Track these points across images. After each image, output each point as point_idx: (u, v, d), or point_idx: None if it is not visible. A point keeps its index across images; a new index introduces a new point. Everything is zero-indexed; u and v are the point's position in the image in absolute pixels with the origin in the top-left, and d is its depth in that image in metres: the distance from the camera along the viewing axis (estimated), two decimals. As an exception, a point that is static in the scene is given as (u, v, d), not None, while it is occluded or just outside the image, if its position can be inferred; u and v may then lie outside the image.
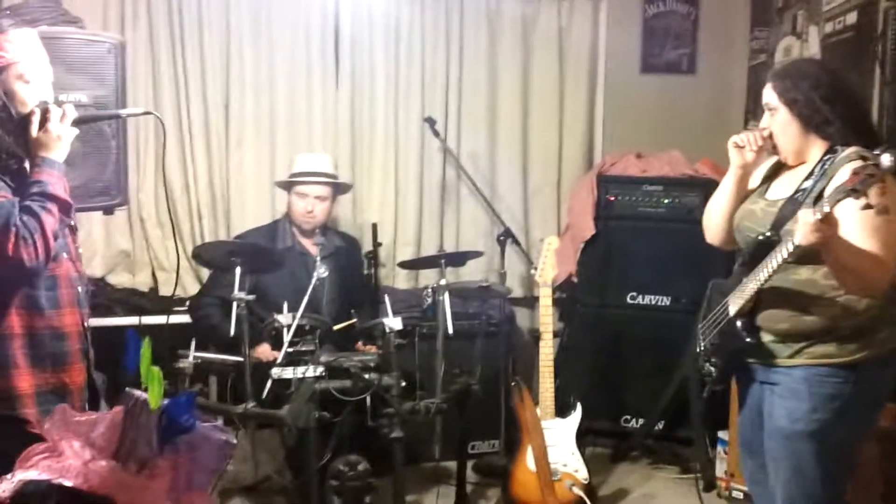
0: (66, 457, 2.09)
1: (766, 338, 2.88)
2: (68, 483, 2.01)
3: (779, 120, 2.91)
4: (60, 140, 2.72)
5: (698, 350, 3.16)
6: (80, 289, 2.89)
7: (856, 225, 2.61)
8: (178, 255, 3.81)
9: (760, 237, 2.85)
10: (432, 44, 5.36)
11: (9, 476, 2.04)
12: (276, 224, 4.72)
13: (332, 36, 5.24)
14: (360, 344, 4.40)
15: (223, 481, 4.33)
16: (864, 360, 2.78)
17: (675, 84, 5.68)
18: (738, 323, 2.90)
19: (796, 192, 2.85)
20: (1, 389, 2.66)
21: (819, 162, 2.84)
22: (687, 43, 5.69)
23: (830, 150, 2.84)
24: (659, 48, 5.69)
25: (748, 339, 2.88)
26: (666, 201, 5.03)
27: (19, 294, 2.67)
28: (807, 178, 2.85)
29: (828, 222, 2.46)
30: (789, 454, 2.87)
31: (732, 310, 2.91)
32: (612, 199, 5.10)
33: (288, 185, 4.66)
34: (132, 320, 4.63)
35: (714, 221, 3.15)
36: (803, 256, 2.69)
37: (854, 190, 2.37)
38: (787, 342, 2.85)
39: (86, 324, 2.92)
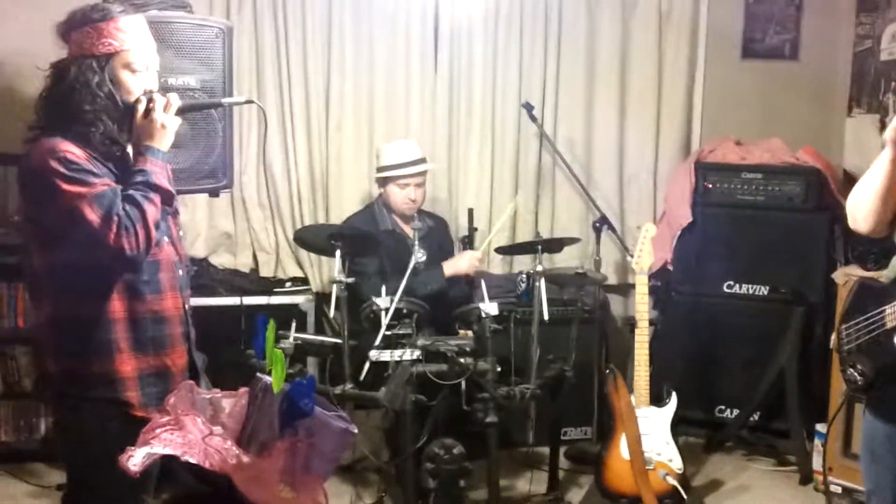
0: (188, 431, 2.16)
1: None
2: (192, 459, 2.08)
3: None
4: (165, 129, 2.74)
5: (841, 352, 2.86)
6: (180, 272, 2.95)
7: None
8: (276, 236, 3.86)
9: None
10: (530, 30, 5.34)
11: (132, 449, 2.12)
12: (373, 209, 4.78)
13: (431, 22, 5.26)
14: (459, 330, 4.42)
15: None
16: None
17: (777, 70, 5.57)
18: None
19: None
20: (104, 373, 2.70)
21: None
22: (790, 28, 5.58)
23: None
24: (761, 33, 5.59)
25: None
26: (765, 189, 4.96)
27: (121, 280, 2.71)
28: None
29: None
30: None
31: (891, 322, 2.63)
32: (710, 186, 5.05)
33: (384, 178, 4.72)
34: (234, 301, 4.75)
35: (866, 206, 2.69)
36: None
37: None
38: None
39: (186, 306, 2.98)
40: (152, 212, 2.65)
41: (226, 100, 3.22)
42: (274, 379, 2.23)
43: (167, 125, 2.76)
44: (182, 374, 2.94)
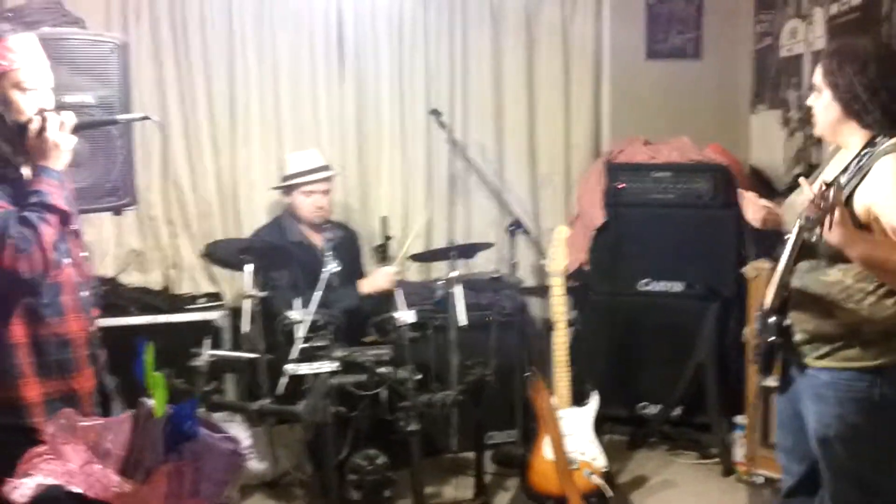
0: (68, 460, 2.09)
1: (797, 337, 2.83)
2: (75, 489, 2.01)
3: (821, 101, 2.83)
4: (59, 148, 2.68)
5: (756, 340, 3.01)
6: (84, 293, 2.87)
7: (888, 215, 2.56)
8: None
9: (787, 237, 2.78)
10: (436, 36, 5.34)
11: (14, 480, 2.04)
12: (280, 221, 4.72)
13: (335, 30, 5.21)
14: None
15: (242, 478, 4.36)
16: (891, 364, 2.71)
17: (681, 70, 5.65)
18: (770, 320, 2.83)
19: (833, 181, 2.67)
20: (9, 399, 2.65)
21: (857, 155, 2.75)
22: (692, 28, 5.66)
23: (871, 142, 2.73)
24: (664, 34, 5.66)
25: (772, 339, 2.83)
26: (675, 187, 5.01)
27: (21, 303, 2.66)
28: (843, 171, 2.75)
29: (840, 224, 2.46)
30: (826, 457, 2.83)
31: (766, 303, 2.86)
32: (622, 186, 5.08)
33: (289, 187, 4.66)
34: (146, 320, 4.63)
35: None
36: (831, 255, 2.67)
37: (808, 218, 2.44)
38: (813, 343, 2.80)
39: (91, 329, 2.90)
40: (49, 233, 2.60)
41: (121, 116, 3.18)
42: (156, 402, 2.17)
43: (61, 144, 2.70)
44: (90, 397, 2.86)
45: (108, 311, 4.54)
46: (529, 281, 5.42)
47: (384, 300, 4.59)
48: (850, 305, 2.71)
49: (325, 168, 4.70)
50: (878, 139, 2.71)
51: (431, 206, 5.39)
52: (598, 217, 5.05)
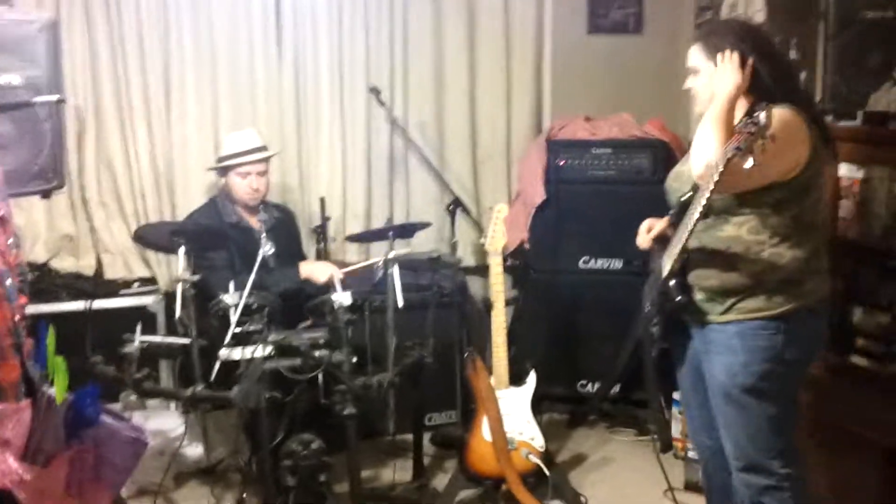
0: None
1: (698, 296, 2.97)
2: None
3: (701, 80, 2.95)
4: None
5: (644, 312, 3.24)
6: (8, 281, 2.80)
7: None
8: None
9: (683, 197, 2.96)
10: (376, 12, 5.24)
11: None
12: (215, 202, 4.62)
13: (273, 6, 5.11)
14: None
15: (178, 464, 4.32)
16: (794, 311, 2.87)
17: (622, 44, 5.63)
18: (671, 283, 2.96)
19: None
20: None
21: (740, 121, 2.82)
22: (633, 2, 5.63)
23: (751, 109, 2.83)
24: (605, 8, 5.63)
25: (678, 298, 2.94)
26: (615, 164, 5.00)
27: None
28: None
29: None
30: (734, 409, 2.96)
31: (665, 270, 2.98)
32: (562, 163, 5.05)
33: (224, 168, 4.57)
34: (78, 305, 4.54)
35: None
36: (722, 210, 2.84)
37: (738, 148, 2.47)
38: (717, 299, 2.93)
39: (16, 317, 2.83)
40: None
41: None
42: (56, 388, 2.12)
43: None
44: (15, 387, 2.78)
45: (40, 297, 4.48)
46: (470, 260, 5.39)
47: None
48: (751, 257, 2.85)
49: (262, 149, 4.61)
50: (757, 106, 2.74)
51: (370, 186, 5.33)
52: (538, 195, 5.02)
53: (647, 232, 3.24)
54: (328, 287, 4.25)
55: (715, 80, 2.84)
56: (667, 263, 2.97)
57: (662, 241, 3.15)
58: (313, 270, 4.50)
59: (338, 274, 4.11)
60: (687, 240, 2.81)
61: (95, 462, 2.11)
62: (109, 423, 2.17)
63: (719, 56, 2.85)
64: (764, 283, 2.86)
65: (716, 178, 2.57)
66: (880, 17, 3.83)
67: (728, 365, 2.93)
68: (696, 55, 2.96)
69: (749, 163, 2.46)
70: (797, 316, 2.88)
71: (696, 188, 2.87)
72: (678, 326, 3.13)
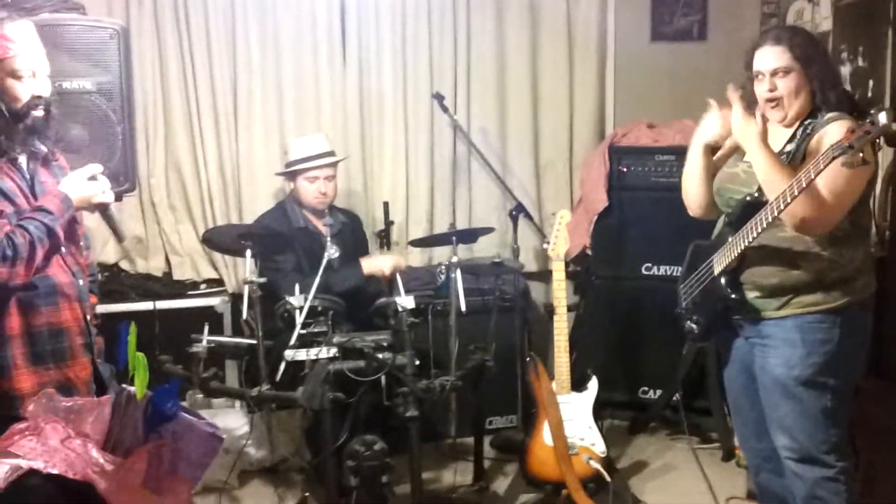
0: (48, 437, 2.10)
1: (751, 294, 3.01)
2: (53, 470, 2.02)
3: (791, 81, 2.93)
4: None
5: (679, 310, 3.34)
6: (80, 282, 2.88)
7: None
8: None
9: (749, 198, 2.96)
10: (439, 19, 5.29)
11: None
12: (284, 206, 4.68)
13: (337, 14, 5.18)
14: None
15: (242, 463, 4.39)
16: (849, 306, 2.94)
17: (685, 52, 5.60)
18: (723, 280, 3.02)
19: (780, 154, 2.94)
20: (3, 391, 2.67)
21: (800, 125, 2.96)
22: (697, 10, 5.61)
23: (811, 114, 2.94)
24: (669, 16, 5.61)
25: (733, 295, 3.00)
26: (679, 171, 4.92)
27: (14, 295, 2.67)
28: (789, 142, 2.98)
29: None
30: (792, 402, 2.99)
31: (717, 268, 3.04)
32: (625, 170, 5.05)
33: (292, 172, 4.63)
34: (147, 306, 4.65)
35: (695, 195, 3.27)
36: None
37: (850, 146, 2.45)
38: (774, 296, 2.97)
39: (88, 317, 2.91)
40: (40, 254, 2.64)
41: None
42: (137, 384, 2.18)
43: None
44: (87, 386, 2.87)
45: (109, 297, 4.58)
46: (533, 265, 5.40)
47: (385, 285, 4.59)
48: (812, 256, 2.90)
49: (330, 154, 4.66)
50: (818, 111, 2.94)
51: (433, 191, 5.37)
52: (600, 201, 5.01)
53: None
54: (391, 287, 4.31)
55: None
56: (721, 261, 3.03)
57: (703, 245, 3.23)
58: (376, 264, 4.54)
59: (401, 263, 4.15)
60: (754, 239, 2.85)
61: (173, 456, 2.17)
62: (187, 418, 2.22)
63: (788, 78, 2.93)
64: (823, 279, 2.91)
65: (804, 182, 2.60)
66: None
67: (787, 358, 2.96)
68: (783, 56, 2.94)
69: (857, 162, 2.45)
70: (851, 310, 2.94)
71: (763, 195, 2.89)
72: (725, 325, 3.18)
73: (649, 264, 5.01)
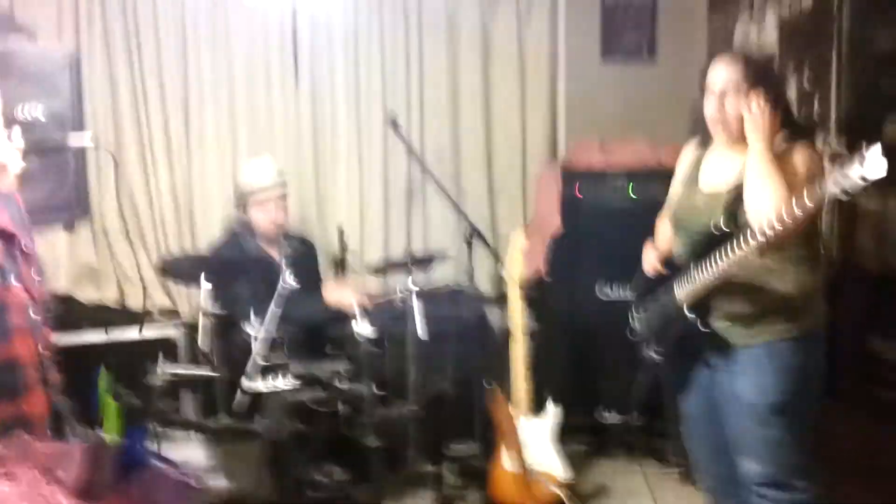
0: (20, 482, 2.06)
1: (721, 323, 3.00)
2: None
3: (753, 103, 2.90)
4: (5, 171, 2.65)
5: (636, 336, 3.41)
6: (33, 315, 2.83)
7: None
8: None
9: (714, 228, 2.92)
10: (391, 42, 5.31)
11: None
12: (237, 235, 4.60)
13: (289, 38, 5.18)
14: None
15: (203, 496, 4.32)
16: (811, 331, 2.98)
17: (635, 71, 5.66)
18: (690, 313, 3.01)
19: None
20: None
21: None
22: (646, 29, 5.66)
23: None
24: (618, 35, 5.66)
25: (704, 329, 3.00)
26: (632, 193, 5.01)
27: None
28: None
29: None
30: (764, 428, 2.99)
31: (682, 299, 3.03)
32: (578, 193, 5.07)
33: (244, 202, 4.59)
34: (100, 338, 4.57)
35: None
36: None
37: (846, 193, 2.44)
38: (744, 323, 2.97)
39: (43, 351, 2.85)
40: None
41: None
42: (107, 429, 2.15)
43: (8, 166, 2.65)
44: (43, 420, 2.81)
45: (62, 327, 4.49)
46: (490, 290, 5.40)
47: (342, 313, 4.56)
48: (779, 283, 2.91)
49: (279, 182, 4.60)
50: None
51: (388, 216, 5.36)
52: (555, 225, 5.03)
53: (654, 257, 3.31)
54: (348, 316, 4.29)
55: (755, 123, 2.88)
56: (687, 293, 3.02)
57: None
58: (339, 298, 4.51)
59: (365, 300, 4.14)
60: (724, 273, 2.85)
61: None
62: (160, 466, 2.18)
63: (754, 97, 2.90)
64: (789, 305, 2.93)
65: (799, 216, 2.55)
66: (894, 42, 3.85)
67: (759, 384, 2.96)
68: (735, 72, 2.95)
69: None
70: (813, 336, 2.98)
71: (732, 220, 2.89)
72: (686, 353, 3.18)
73: (605, 287, 5.02)
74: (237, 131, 5.16)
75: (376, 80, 5.30)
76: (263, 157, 4.76)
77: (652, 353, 3.25)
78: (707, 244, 2.93)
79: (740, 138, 2.96)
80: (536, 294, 5.10)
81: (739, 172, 2.94)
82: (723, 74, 2.98)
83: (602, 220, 5.03)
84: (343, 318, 4.42)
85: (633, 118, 5.56)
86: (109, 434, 2.20)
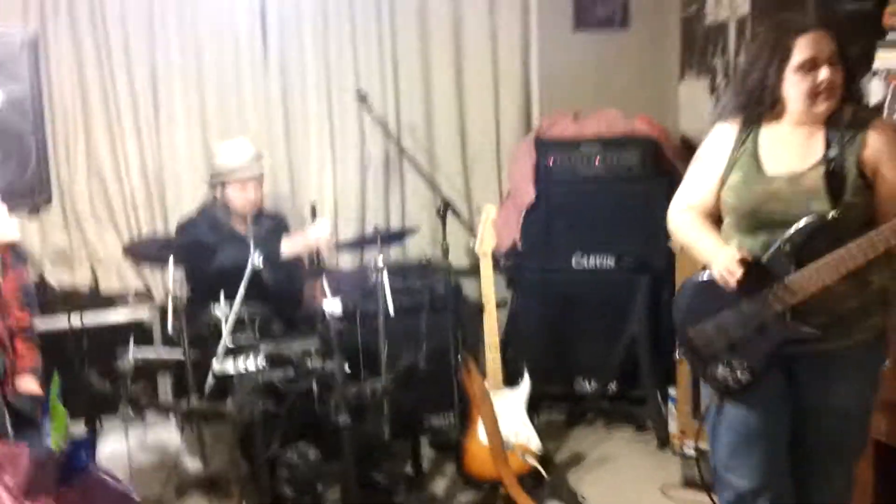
0: None
1: (820, 320, 2.64)
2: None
3: (837, 74, 2.64)
4: None
5: (700, 358, 2.87)
6: None
7: None
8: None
9: (821, 218, 2.58)
10: (362, 15, 5.21)
11: None
12: (212, 212, 4.53)
13: (258, 11, 5.10)
14: None
15: (178, 476, 4.34)
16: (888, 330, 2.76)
17: (608, 40, 5.63)
18: (789, 317, 2.65)
19: (827, 161, 2.62)
20: None
21: (824, 124, 2.68)
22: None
23: (836, 112, 2.67)
24: (590, 4, 5.62)
25: (808, 330, 2.64)
26: (604, 161, 4.99)
27: None
28: (829, 147, 2.65)
29: None
30: (856, 429, 2.84)
31: (784, 303, 2.65)
32: (551, 162, 5.05)
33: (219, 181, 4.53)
34: (73, 319, 4.55)
35: None
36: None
37: None
38: (843, 323, 2.66)
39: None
40: None
41: None
42: (53, 434, 2.14)
43: None
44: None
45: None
46: (464, 262, 5.38)
47: (313, 289, 4.54)
48: (870, 279, 2.64)
49: (257, 160, 4.54)
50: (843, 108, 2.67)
51: (363, 190, 5.33)
52: (528, 194, 5.01)
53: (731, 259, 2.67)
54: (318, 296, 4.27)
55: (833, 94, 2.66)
56: (788, 294, 2.64)
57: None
58: (296, 244, 4.41)
59: (324, 238, 4.12)
60: (854, 266, 2.53)
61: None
62: (100, 476, 2.18)
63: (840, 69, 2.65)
64: (882, 300, 2.70)
65: None
66: (859, 7, 3.81)
67: (859, 388, 2.76)
68: (830, 44, 2.64)
69: None
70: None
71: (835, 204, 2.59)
72: (772, 364, 2.76)
73: (579, 256, 5.01)
74: (206, 108, 5.08)
75: (347, 54, 5.22)
76: (240, 138, 4.70)
77: (737, 373, 2.75)
78: (813, 234, 2.59)
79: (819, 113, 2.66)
80: (512, 264, 5.10)
81: (815, 150, 2.66)
82: (820, 45, 2.62)
83: (575, 189, 5.03)
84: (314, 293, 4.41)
85: (606, 87, 5.55)
86: (56, 439, 2.18)
